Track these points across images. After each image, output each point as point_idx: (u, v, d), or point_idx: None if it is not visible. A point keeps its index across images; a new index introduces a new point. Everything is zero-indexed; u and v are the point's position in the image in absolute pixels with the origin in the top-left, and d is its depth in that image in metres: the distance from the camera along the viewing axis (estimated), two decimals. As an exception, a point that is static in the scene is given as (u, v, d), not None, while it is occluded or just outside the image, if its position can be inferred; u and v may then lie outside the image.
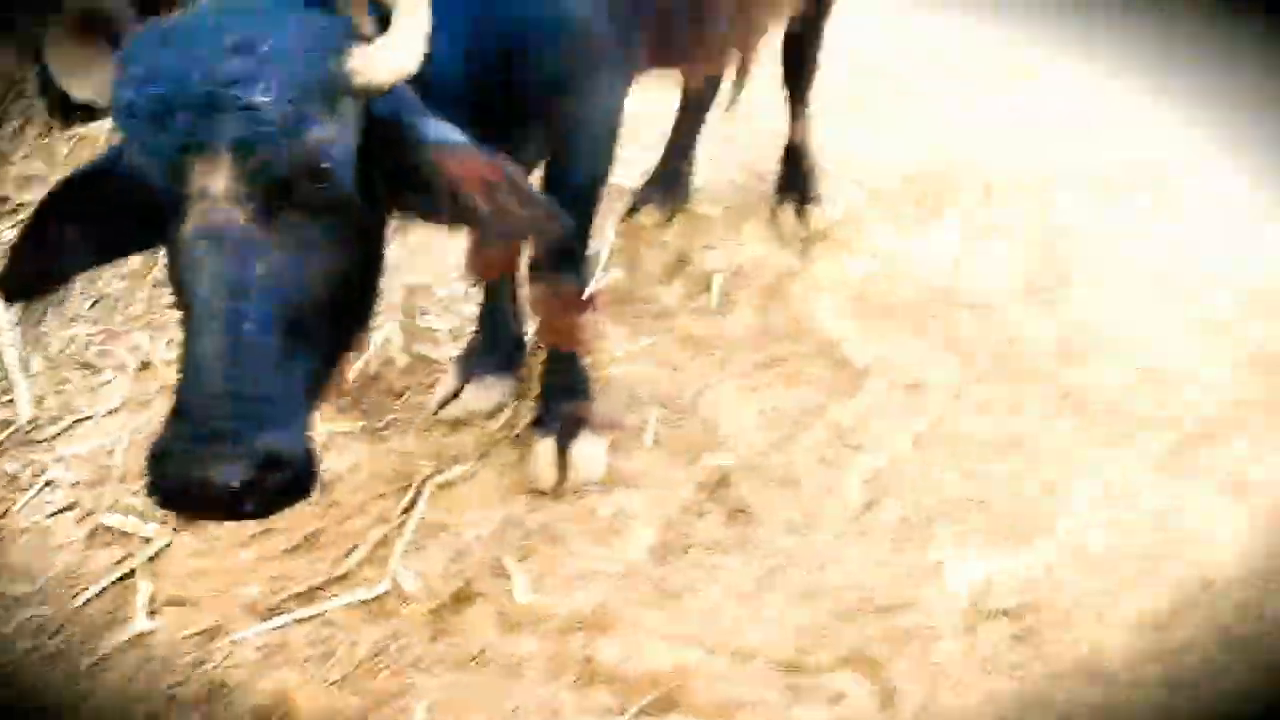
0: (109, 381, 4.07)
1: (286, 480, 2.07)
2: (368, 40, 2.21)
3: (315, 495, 2.24)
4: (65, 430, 3.86)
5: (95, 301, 4.43)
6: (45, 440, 3.82)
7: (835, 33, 4.90)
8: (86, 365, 4.15)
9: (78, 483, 3.65)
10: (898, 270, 4.71)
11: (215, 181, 2.05)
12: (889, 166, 5.45)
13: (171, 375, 2.30)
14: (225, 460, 2.00)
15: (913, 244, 4.92)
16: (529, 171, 3.00)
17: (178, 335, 2.31)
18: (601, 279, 4.54)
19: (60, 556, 3.40)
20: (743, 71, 4.58)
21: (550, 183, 3.36)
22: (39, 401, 3.96)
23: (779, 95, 5.04)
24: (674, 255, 4.77)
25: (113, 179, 2.25)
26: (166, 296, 4.22)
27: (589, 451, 3.64)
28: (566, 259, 3.38)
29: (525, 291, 3.58)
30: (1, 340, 4.08)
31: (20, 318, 4.18)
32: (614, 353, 4.17)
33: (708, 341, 4.26)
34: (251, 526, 3.34)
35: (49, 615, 3.20)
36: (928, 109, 6.04)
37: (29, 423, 3.87)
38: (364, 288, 2.43)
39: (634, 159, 5.28)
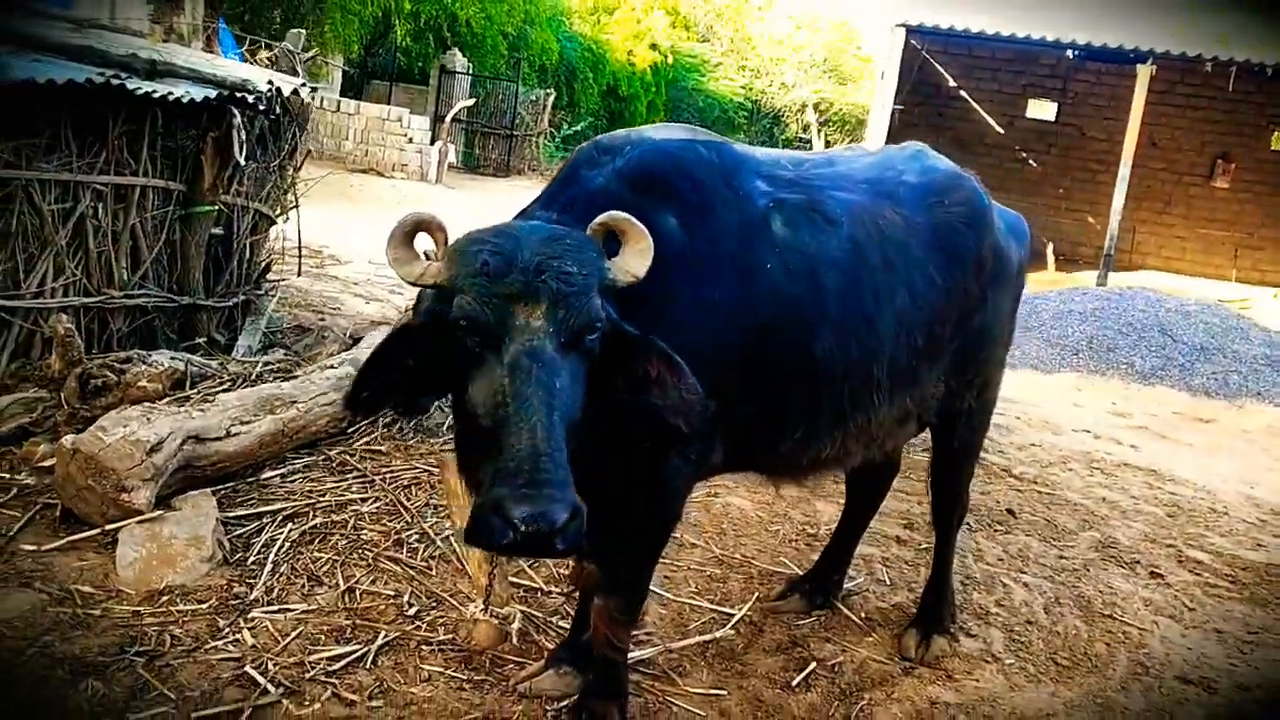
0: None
1: (579, 529, 2.80)
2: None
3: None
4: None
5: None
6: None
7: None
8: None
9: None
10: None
11: (536, 320, 2.96)
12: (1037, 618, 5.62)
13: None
14: (556, 501, 2.74)
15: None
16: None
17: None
18: (716, 633, 5.14)
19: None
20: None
21: (609, 542, 3.98)
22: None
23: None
24: (788, 636, 5.25)
25: (426, 336, 3.20)
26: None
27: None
28: (622, 583, 4.16)
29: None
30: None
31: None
32: (688, 687, 4.70)
33: (772, 707, 4.66)
34: None
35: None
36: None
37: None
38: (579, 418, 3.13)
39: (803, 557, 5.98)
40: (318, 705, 4.22)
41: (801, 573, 5.84)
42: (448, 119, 28.24)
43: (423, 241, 3.35)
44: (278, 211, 8.83)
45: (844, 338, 4.16)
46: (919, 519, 6.96)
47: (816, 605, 5.55)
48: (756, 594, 5.65)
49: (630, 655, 4.80)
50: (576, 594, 4.80)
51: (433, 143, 27.56)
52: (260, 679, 4.29)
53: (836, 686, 4.89)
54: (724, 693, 4.73)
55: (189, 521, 5.11)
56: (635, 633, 4.95)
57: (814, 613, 5.52)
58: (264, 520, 5.65)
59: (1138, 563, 7.00)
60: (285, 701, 4.22)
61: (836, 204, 4.28)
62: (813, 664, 5.02)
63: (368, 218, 17.50)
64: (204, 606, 4.77)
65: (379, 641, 4.69)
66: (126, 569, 4.84)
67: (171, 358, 6.76)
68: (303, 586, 5.08)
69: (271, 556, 5.27)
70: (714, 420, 3.76)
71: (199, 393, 6.28)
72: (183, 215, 7.29)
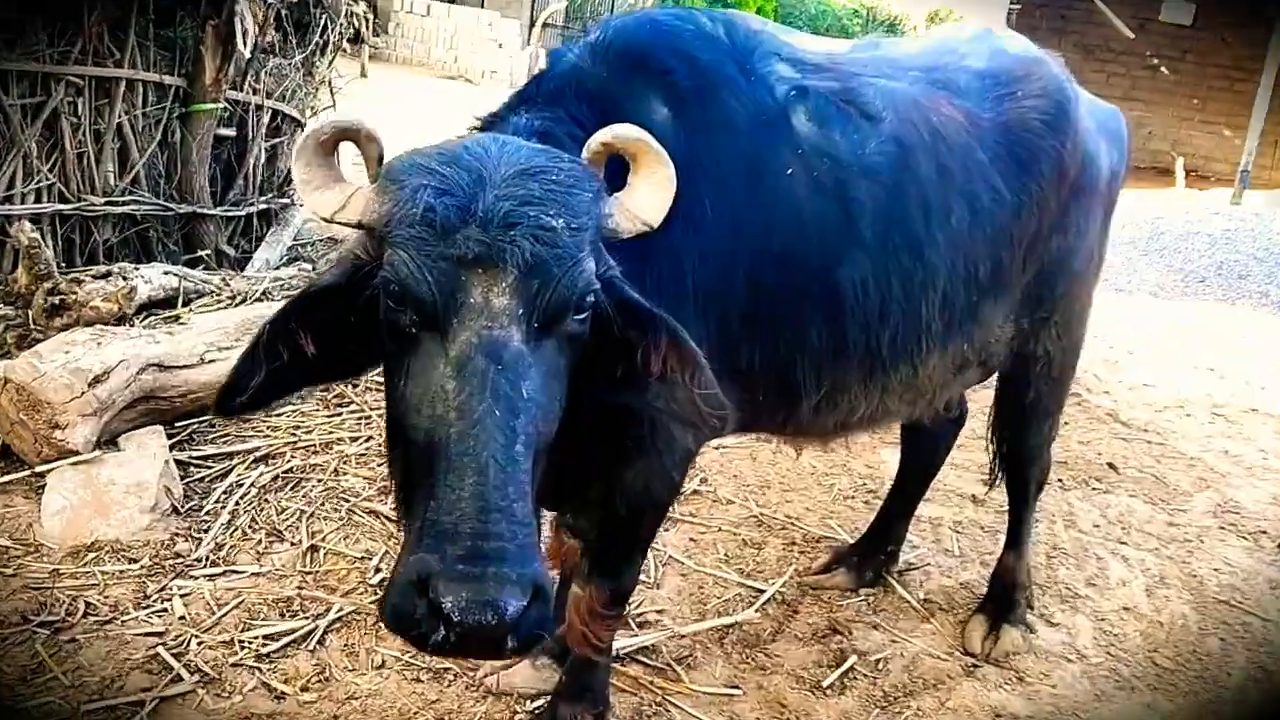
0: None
1: (540, 616, 2.00)
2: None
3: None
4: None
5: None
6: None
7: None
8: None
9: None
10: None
11: (498, 298, 2.09)
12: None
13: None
14: (508, 583, 1.92)
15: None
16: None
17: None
18: (738, 615, 4.31)
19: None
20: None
21: (598, 519, 3.30)
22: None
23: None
24: (827, 621, 4.40)
25: (341, 299, 2.32)
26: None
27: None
28: (608, 567, 3.34)
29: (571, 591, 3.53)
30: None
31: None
32: (695, 684, 3.90)
33: (797, 713, 3.84)
34: None
35: None
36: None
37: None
38: (556, 427, 2.33)
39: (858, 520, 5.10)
40: (238, 698, 3.53)
41: (852, 540, 4.95)
42: (539, 22, 27.18)
43: (350, 159, 2.50)
44: (306, 113, 8.08)
45: (882, 268, 3.25)
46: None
47: (865, 581, 4.68)
48: (795, 565, 4.79)
49: (628, 642, 4.03)
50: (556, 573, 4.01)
51: (524, 48, 26.56)
52: (174, 663, 3.60)
53: (879, 689, 4.03)
54: (738, 692, 3.91)
55: (132, 464, 4.43)
56: (623, 623, 4.16)
57: (862, 591, 4.66)
58: (234, 461, 4.96)
59: (1263, 533, 5.91)
60: (200, 692, 3.53)
61: (877, 94, 3.34)
62: (852, 658, 4.16)
63: (443, 126, 16.71)
64: (135, 567, 4.10)
65: (330, 617, 3.97)
66: (52, 519, 4.19)
67: (164, 272, 6.11)
68: (258, 544, 4.39)
69: (230, 506, 4.58)
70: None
71: (174, 314, 5.60)
72: (182, 114, 6.57)
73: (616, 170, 2.44)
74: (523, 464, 2.06)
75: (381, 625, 3.79)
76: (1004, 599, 4.45)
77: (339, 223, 2.30)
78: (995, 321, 3.71)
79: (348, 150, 2.44)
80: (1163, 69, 25.74)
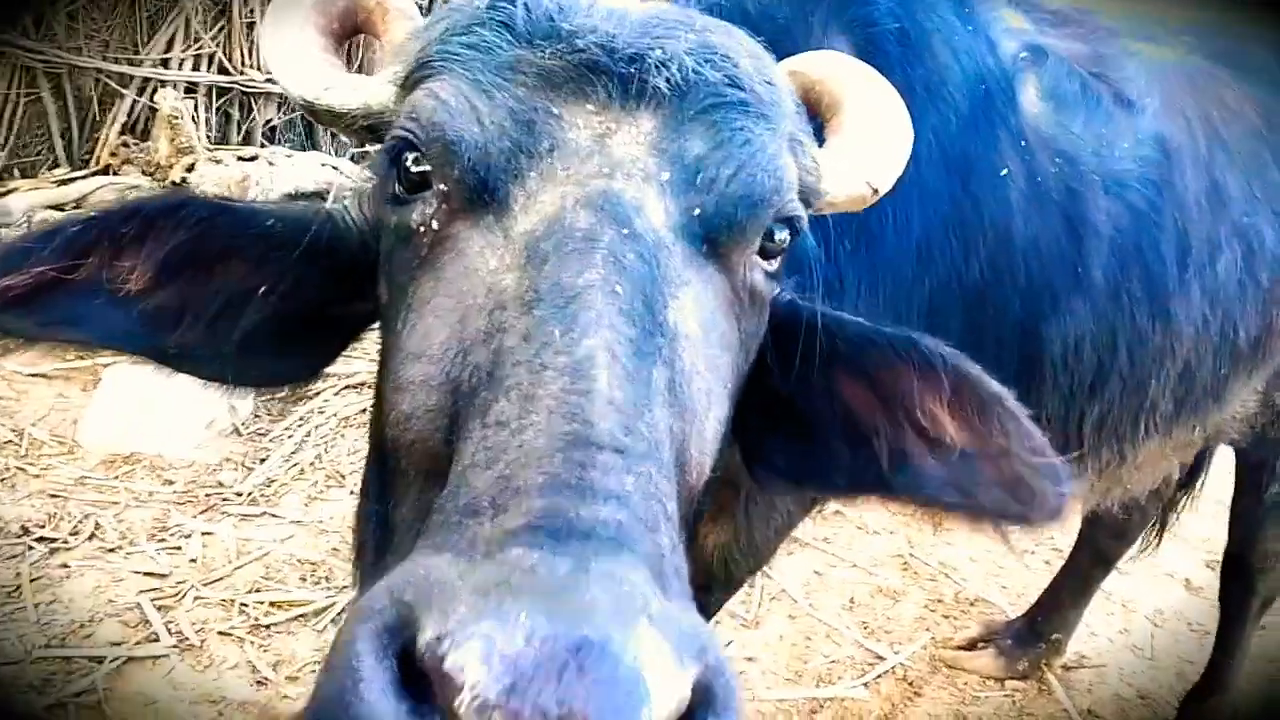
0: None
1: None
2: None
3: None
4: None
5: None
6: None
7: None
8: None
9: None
10: None
11: (623, 144, 1.26)
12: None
13: None
14: (645, 616, 0.85)
15: None
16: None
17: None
18: (843, 686, 3.48)
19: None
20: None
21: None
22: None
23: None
24: (952, 717, 3.50)
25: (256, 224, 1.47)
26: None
27: None
28: None
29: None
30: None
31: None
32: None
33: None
34: None
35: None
36: None
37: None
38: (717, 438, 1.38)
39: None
40: (213, 674, 3.01)
41: (1015, 613, 3.99)
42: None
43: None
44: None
45: (1108, 325, 2.32)
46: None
47: (1017, 672, 3.74)
48: (933, 632, 3.88)
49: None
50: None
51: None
52: (155, 618, 3.11)
53: (993, 827, 3.13)
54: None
55: (199, 373, 3.97)
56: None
57: (1009, 683, 3.71)
58: (324, 383, 4.46)
59: None
60: (174, 658, 3.03)
61: (1140, 68, 2.40)
62: (971, 775, 3.27)
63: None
64: (166, 490, 3.65)
65: (352, 595, 3.40)
66: (95, 421, 3.79)
67: (321, 164, 5.67)
68: (314, 486, 3.86)
69: (299, 435, 4.08)
70: None
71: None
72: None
73: None
74: (657, 398, 1.13)
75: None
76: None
77: (341, 109, 1.43)
78: (1241, 397, 2.68)
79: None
80: None
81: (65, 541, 3.33)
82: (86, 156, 5.27)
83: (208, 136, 5.37)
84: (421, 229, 1.30)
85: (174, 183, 4.85)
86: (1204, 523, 4.51)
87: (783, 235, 1.37)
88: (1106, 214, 2.29)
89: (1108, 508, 2.98)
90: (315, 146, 6.05)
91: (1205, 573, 4.60)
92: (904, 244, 2.10)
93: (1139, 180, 2.33)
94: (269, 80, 5.71)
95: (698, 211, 1.26)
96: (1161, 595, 4.47)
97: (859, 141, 1.54)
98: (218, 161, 5.06)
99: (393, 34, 1.53)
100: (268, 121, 5.85)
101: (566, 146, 1.23)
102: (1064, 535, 4.56)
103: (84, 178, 5.12)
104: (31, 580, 3.16)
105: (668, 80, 1.26)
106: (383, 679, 0.81)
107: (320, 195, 5.50)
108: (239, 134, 5.75)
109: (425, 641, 0.81)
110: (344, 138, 6.39)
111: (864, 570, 4.16)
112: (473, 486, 1.02)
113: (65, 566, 3.25)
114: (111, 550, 3.35)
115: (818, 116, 1.59)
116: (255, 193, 4.94)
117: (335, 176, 5.62)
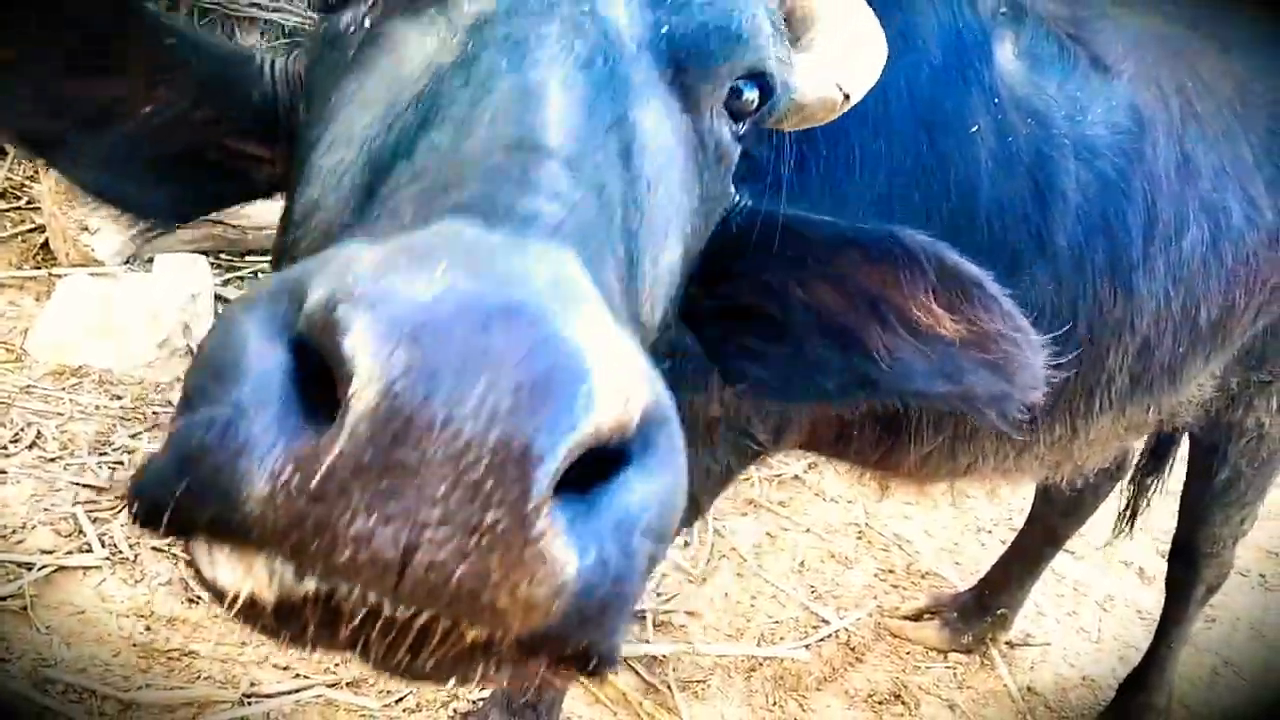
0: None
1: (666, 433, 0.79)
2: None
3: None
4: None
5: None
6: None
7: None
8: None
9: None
10: None
11: None
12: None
13: None
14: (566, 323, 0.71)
15: None
16: None
17: None
18: (784, 646, 3.45)
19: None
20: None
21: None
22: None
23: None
24: (892, 683, 3.48)
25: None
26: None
27: None
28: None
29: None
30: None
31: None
32: (692, 722, 3.11)
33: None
34: None
35: None
36: None
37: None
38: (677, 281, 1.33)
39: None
40: (143, 590, 2.96)
41: (964, 587, 3.97)
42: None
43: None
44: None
45: (1069, 296, 2.27)
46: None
47: (961, 645, 3.72)
48: (880, 601, 3.85)
49: (633, 646, 3.26)
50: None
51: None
52: (89, 529, 3.06)
53: (924, 794, 3.12)
54: (747, 741, 3.09)
55: (155, 289, 3.90)
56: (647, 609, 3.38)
57: (952, 655, 3.69)
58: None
59: None
60: (105, 570, 2.98)
61: (1118, 32, 2.36)
62: (906, 743, 3.25)
63: None
64: (114, 405, 3.58)
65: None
66: (46, 330, 3.71)
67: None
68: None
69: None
70: None
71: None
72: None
73: None
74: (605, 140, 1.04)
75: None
76: (1131, 714, 3.42)
77: None
78: (1198, 382, 2.65)
79: None
80: None
81: (5, 448, 3.27)
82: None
83: None
84: (352, 29, 1.20)
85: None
86: (1163, 515, 4.51)
87: (751, 95, 1.30)
88: (1075, 180, 2.24)
89: (1057, 484, 2.94)
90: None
91: (1160, 563, 4.56)
92: (867, 192, 2.06)
93: (1110, 148, 2.28)
94: (252, 4, 5.62)
95: (665, 29, 1.17)
96: (1114, 582, 4.45)
97: (831, 50, 1.48)
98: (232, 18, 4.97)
99: None
100: (250, 46, 5.74)
101: None
102: (1021, 516, 4.56)
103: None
104: (-32, 482, 3.10)
105: None
106: (270, 361, 0.70)
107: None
108: None
109: (311, 305, 0.68)
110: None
111: (817, 536, 4.13)
112: (396, 195, 0.95)
113: (3, 473, 3.18)
114: (51, 460, 3.29)
115: (793, 30, 1.53)
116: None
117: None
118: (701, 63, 1.21)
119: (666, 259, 1.21)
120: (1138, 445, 3.39)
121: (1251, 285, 2.47)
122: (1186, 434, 3.07)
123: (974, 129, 2.15)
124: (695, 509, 2.45)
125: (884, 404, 2.19)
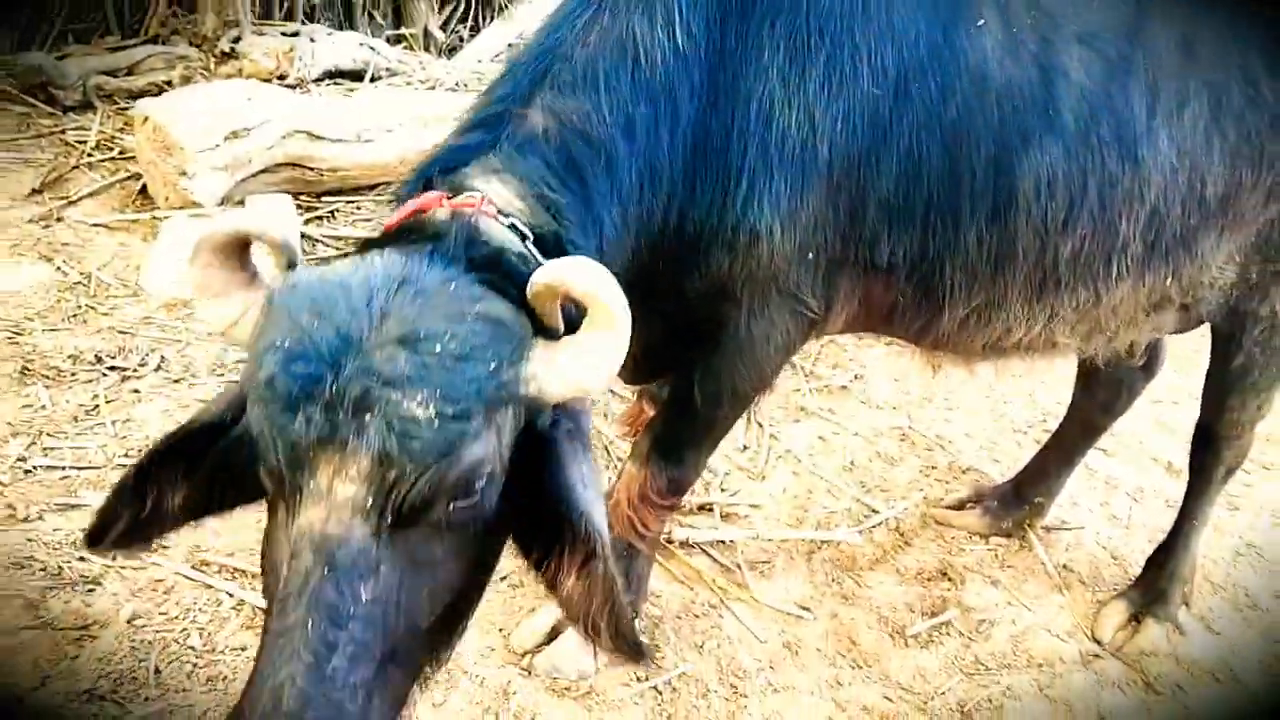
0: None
1: None
2: (552, 337, 1.82)
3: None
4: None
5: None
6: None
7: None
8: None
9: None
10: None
11: (344, 486, 1.65)
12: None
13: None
14: None
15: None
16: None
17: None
18: (839, 531, 3.81)
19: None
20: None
21: (673, 398, 2.87)
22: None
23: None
24: (939, 563, 3.83)
25: (220, 434, 1.90)
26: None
27: (571, 649, 3.10)
28: (670, 451, 2.88)
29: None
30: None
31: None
32: (762, 596, 3.47)
33: (866, 655, 3.35)
34: None
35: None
36: None
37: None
38: (468, 603, 1.96)
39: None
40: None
41: (1002, 479, 4.29)
42: None
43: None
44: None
45: (1079, 165, 2.56)
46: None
47: (1001, 530, 4.05)
48: (925, 493, 4.19)
49: (704, 533, 3.61)
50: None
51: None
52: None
53: (971, 653, 3.47)
54: (808, 615, 3.44)
55: (251, 228, 4.24)
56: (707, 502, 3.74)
57: (993, 540, 4.03)
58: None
59: None
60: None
61: None
62: (953, 611, 3.60)
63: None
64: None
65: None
66: (156, 267, 4.07)
67: (360, 44, 5.88)
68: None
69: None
70: (832, 264, 2.51)
71: (351, 87, 5.37)
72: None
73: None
74: (347, 680, 1.64)
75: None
76: (1156, 587, 3.74)
77: (234, 343, 1.86)
78: (1215, 259, 2.94)
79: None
80: None
81: (135, 371, 3.64)
82: (136, 25, 5.51)
83: (252, 10, 5.57)
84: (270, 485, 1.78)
85: (222, 53, 5.07)
86: (1192, 416, 4.82)
87: (473, 491, 1.75)
88: (1077, 62, 2.54)
89: (1093, 358, 3.22)
90: (353, 26, 6.25)
91: (1184, 458, 4.89)
92: (880, 83, 2.37)
93: (1109, 30, 2.56)
94: None
95: (392, 513, 1.66)
96: (1144, 475, 4.76)
97: (587, 349, 1.79)
98: (261, 34, 5.28)
99: (275, 258, 1.84)
100: (308, 0, 6.06)
101: (314, 489, 1.65)
102: (1054, 420, 4.88)
103: (134, 46, 5.37)
104: (108, 401, 3.48)
105: (365, 453, 1.63)
106: None
107: (357, 74, 5.73)
108: (280, 10, 5.96)
109: None
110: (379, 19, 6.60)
111: (865, 439, 4.47)
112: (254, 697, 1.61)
113: (136, 392, 3.56)
114: (176, 381, 3.66)
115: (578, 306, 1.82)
116: (299, 66, 5.17)
117: (371, 56, 5.83)
118: (428, 507, 1.70)
119: (431, 604, 1.81)
120: (1168, 338, 3.67)
121: (1255, 163, 2.75)
122: (1210, 326, 3.35)
123: (980, 22, 2.47)
124: (762, 375, 2.75)
125: (922, 275, 2.59)
